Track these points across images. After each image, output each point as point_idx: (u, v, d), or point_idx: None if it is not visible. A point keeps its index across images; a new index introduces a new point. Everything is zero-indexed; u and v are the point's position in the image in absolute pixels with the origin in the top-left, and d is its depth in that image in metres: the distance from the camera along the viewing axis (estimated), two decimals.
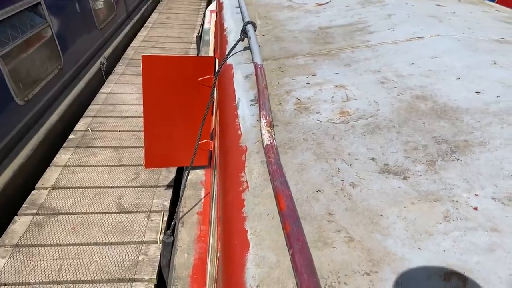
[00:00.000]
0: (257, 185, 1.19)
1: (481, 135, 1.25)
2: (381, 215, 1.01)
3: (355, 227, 0.99)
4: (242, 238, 1.03)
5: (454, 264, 0.86)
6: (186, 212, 2.82)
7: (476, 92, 1.48)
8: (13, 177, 3.51)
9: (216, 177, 1.76)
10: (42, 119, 4.27)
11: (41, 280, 2.62)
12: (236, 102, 1.69)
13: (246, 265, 0.94)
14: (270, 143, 1.12)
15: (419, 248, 0.91)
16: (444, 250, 0.89)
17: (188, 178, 3.13)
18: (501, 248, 0.88)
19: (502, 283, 0.81)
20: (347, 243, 0.94)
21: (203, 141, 2.98)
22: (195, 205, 2.89)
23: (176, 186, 3.61)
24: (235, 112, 1.62)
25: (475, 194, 1.03)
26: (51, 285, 2.58)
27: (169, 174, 3.75)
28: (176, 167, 3.85)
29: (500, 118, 1.33)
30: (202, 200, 2.94)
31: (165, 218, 3.17)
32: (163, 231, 3.01)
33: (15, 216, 3.17)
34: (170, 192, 3.51)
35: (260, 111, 1.33)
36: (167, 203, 3.35)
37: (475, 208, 0.99)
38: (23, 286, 2.57)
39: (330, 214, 1.04)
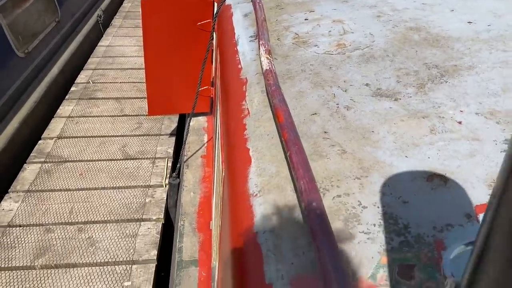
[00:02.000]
0: (257, 111, 1.27)
1: (470, 60, 1.32)
2: (372, 131, 1.09)
3: (348, 142, 1.07)
4: (245, 155, 1.12)
5: (437, 168, 0.95)
6: (190, 156, 2.92)
7: (468, 22, 1.53)
8: (19, 128, 3.59)
9: (218, 113, 1.83)
10: (43, 72, 4.29)
11: (53, 222, 2.75)
12: (236, 39, 1.73)
13: (249, 176, 1.04)
14: (269, 67, 1.19)
15: (406, 157, 0.99)
16: (429, 157, 0.98)
17: (191, 124, 3.21)
18: (480, 153, 0.97)
19: (480, 182, 0.90)
20: (340, 155, 1.03)
21: (204, 87, 3.03)
22: (199, 149, 2.98)
23: (179, 134, 3.69)
24: (235, 48, 1.67)
25: (460, 111, 1.11)
26: (63, 226, 2.72)
27: (171, 123, 3.83)
28: (178, 117, 3.92)
29: (489, 45, 1.38)
30: (205, 145, 3.03)
31: (169, 164, 3.28)
32: (168, 175, 3.12)
33: (24, 165, 3.28)
34: (173, 140, 3.60)
35: (259, 41, 1.38)
36: (171, 150, 3.45)
37: (460, 122, 1.07)
38: (37, 227, 2.71)
39: (325, 132, 1.12)
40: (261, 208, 0.93)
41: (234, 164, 1.14)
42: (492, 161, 0.95)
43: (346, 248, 0.80)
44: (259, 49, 1.32)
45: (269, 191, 0.97)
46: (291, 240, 0.83)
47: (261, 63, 1.26)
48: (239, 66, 1.54)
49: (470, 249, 0.49)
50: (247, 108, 1.30)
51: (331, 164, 1.00)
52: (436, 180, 0.92)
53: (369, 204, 0.89)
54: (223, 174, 1.23)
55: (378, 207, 0.88)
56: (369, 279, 0.75)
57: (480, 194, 0.87)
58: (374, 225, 0.85)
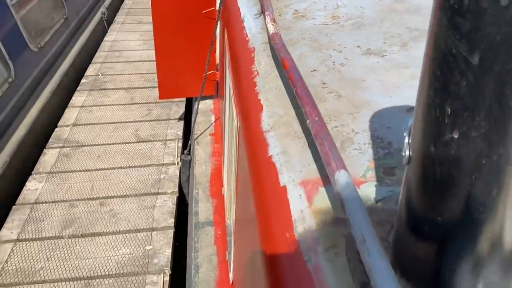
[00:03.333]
0: (265, 71, 1.50)
1: None
2: (363, 80, 1.32)
3: (342, 89, 1.30)
4: (257, 103, 1.35)
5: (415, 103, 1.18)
6: (200, 134, 3.14)
7: None
8: (36, 117, 3.81)
9: (228, 81, 2.05)
10: (55, 66, 4.52)
11: (76, 198, 2.99)
12: (242, 18, 1.96)
13: (262, 119, 1.27)
14: (275, 31, 1.41)
15: (390, 97, 1.22)
16: (409, 96, 1.21)
17: (199, 107, 3.44)
18: None
19: None
20: (336, 98, 1.26)
21: (210, 72, 3.25)
22: (207, 128, 3.21)
23: (187, 119, 3.92)
24: (242, 25, 1.90)
25: None
26: (86, 201, 2.95)
27: (179, 109, 4.05)
28: (184, 103, 4.14)
29: None
30: (213, 124, 3.26)
31: (180, 145, 3.51)
32: (179, 154, 3.35)
33: (44, 150, 3.51)
34: (181, 124, 3.83)
35: (264, 13, 1.61)
36: (180, 133, 3.68)
37: None
38: (62, 203, 2.94)
39: (323, 83, 1.35)
40: (273, 139, 1.16)
41: (248, 113, 1.37)
42: None
43: (343, 160, 1.03)
44: (265, 19, 1.54)
45: (279, 127, 1.19)
46: (299, 157, 1.06)
47: (267, 29, 1.48)
48: (247, 38, 1.76)
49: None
50: (256, 70, 1.52)
51: (330, 105, 1.23)
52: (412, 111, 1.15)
53: (360, 130, 1.12)
54: (238, 124, 1.45)
55: (367, 132, 1.11)
56: (361, 177, 0.98)
57: None
58: (364, 144, 1.07)
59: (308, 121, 0.98)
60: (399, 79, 1.30)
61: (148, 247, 2.57)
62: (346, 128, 1.14)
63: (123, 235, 2.68)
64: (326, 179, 0.98)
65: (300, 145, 1.11)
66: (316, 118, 0.95)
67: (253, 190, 1.10)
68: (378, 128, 1.12)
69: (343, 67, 1.41)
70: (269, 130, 1.21)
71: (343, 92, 1.29)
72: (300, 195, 0.96)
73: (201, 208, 2.42)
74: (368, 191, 0.94)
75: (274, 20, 1.52)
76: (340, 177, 0.83)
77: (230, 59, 1.85)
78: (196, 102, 3.31)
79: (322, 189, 0.96)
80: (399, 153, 1.06)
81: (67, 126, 3.83)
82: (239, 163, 1.45)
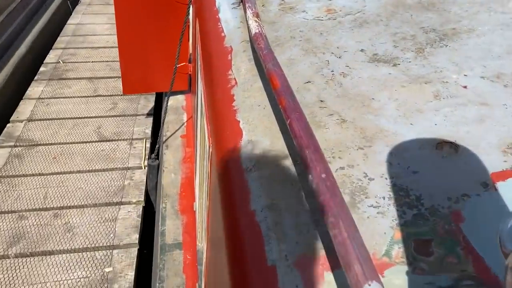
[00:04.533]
0: (246, 80, 1.17)
1: (469, 23, 1.25)
2: (373, 99, 1.01)
3: (347, 111, 0.99)
4: (234, 127, 1.02)
5: (445, 135, 0.88)
6: (170, 136, 2.80)
7: None
8: None
9: (200, 86, 1.72)
10: (10, 51, 4.06)
11: (27, 208, 2.62)
12: (217, 7, 1.62)
13: (241, 150, 0.94)
14: (259, 31, 1.09)
15: (411, 124, 0.92)
16: (436, 124, 0.91)
17: (169, 103, 3.09)
18: (490, 118, 0.90)
19: (492, 148, 0.84)
20: (339, 124, 0.95)
21: (181, 64, 2.89)
22: (178, 129, 2.87)
23: (156, 114, 3.56)
24: (217, 16, 1.56)
25: (465, 75, 1.04)
26: (38, 212, 2.59)
27: (148, 103, 3.68)
28: (154, 96, 3.77)
29: (487, 7, 1.32)
30: (185, 124, 2.92)
31: (148, 145, 3.16)
32: (146, 157, 3.00)
33: None
34: (150, 120, 3.47)
35: (244, 5, 1.28)
36: (149, 131, 3.32)
37: (465, 87, 1.00)
38: (9, 214, 2.57)
39: (321, 101, 1.03)
40: (257, 183, 0.84)
41: (223, 138, 1.04)
42: (503, 126, 0.88)
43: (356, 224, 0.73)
44: (246, 13, 1.21)
45: (264, 165, 0.88)
46: (293, 217, 0.75)
47: (248, 27, 1.15)
48: (222, 35, 1.43)
49: None
50: (234, 78, 1.20)
51: (331, 134, 0.92)
52: (446, 148, 0.85)
53: (376, 176, 0.82)
54: (210, 150, 1.13)
55: (386, 179, 0.81)
56: (384, 256, 0.68)
57: (494, 160, 0.81)
58: (384, 198, 0.77)
59: (310, 176, 0.67)
60: (420, 99, 1.00)
61: (107, 269, 2.24)
62: (356, 172, 0.83)
63: (79, 254, 2.34)
64: (335, 258, 0.68)
65: (294, 196, 0.80)
66: (323, 175, 0.64)
67: (229, 265, 0.79)
68: (399, 173, 0.82)
69: (345, 78, 1.10)
70: (250, 169, 0.89)
71: (348, 114, 0.98)
72: (297, 287, 0.65)
73: (169, 227, 2.10)
74: (396, 283, 0.65)
75: (257, 15, 1.19)
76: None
77: (202, 59, 1.51)
78: (166, 98, 2.96)
79: (330, 278, 0.66)
80: (434, 215, 0.76)
81: (21, 121, 3.41)
82: (211, 201, 1.14)
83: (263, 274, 0.68)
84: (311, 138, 0.72)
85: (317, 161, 0.66)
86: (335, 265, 0.65)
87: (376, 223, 0.73)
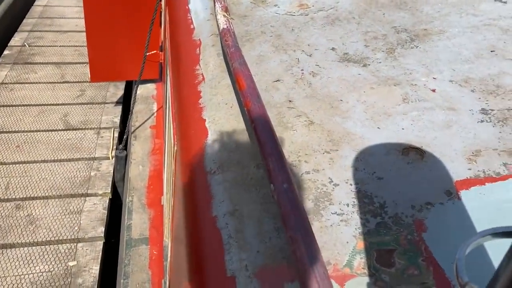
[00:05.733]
0: (213, 76, 1.14)
1: (440, 24, 1.24)
2: (341, 100, 1.00)
3: (315, 112, 0.97)
4: (200, 127, 0.99)
5: (412, 140, 0.87)
6: (138, 126, 2.73)
7: None
8: None
9: (168, 79, 1.67)
10: None
11: None
12: None
13: (205, 151, 0.91)
14: (227, 26, 1.05)
15: (378, 128, 0.91)
16: (403, 128, 0.90)
17: (139, 92, 3.01)
18: (457, 124, 0.90)
19: (458, 155, 0.83)
20: (307, 126, 0.93)
21: (152, 52, 2.81)
22: (148, 119, 2.80)
23: (126, 103, 3.46)
24: (186, 7, 1.51)
25: (434, 78, 1.03)
26: None
27: (117, 90, 3.58)
28: (124, 84, 3.67)
29: (459, 8, 1.32)
30: (155, 114, 2.85)
31: (116, 135, 3.07)
32: (114, 147, 2.92)
33: None
34: (119, 108, 3.37)
35: None
36: (117, 120, 3.23)
37: (433, 90, 1.00)
38: None
39: (290, 101, 1.01)
40: (220, 187, 0.82)
41: (188, 137, 1.01)
42: (469, 132, 0.88)
43: (318, 232, 0.71)
44: (215, 6, 1.17)
45: (228, 168, 0.85)
46: (256, 224, 0.73)
47: (217, 21, 1.12)
48: (192, 27, 1.38)
49: (490, 239, 0.40)
50: (202, 74, 1.16)
51: (298, 136, 0.90)
52: (412, 154, 0.84)
53: (341, 181, 0.80)
54: (175, 148, 1.09)
55: (351, 185, 0.79)
56: (345, 267, 0.66)
57: (459, 168, 0.81)
58: (348, 205, 0.76)
59: (272, 186, 0.64)
60: (388, 101, 0.99)
61: (71, 263, 2.17)
62: (321, 177, 0.82)
63: (42, 247, 2.26)
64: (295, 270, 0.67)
65: (258, 202, 0.78)
66: (285, 185, 0.62)
67: (189, 273, 0.76)
68: (365, 179, 0.80)
69: (315, 78, 1.08)
70: (214, 171, 0.86)
71: (316, 116, 0.96)
72: None
73: (135, 221, 2.05)
74: None
75: (226, 9, 1.15)
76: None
77: (170, 52, 1.46)
78: (135, 87, 2.88)
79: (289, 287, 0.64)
80: (397, 224, 0.75)
81: None
82: (175, 200, 1.10)
83: (221, 285, 0.66)
84: (275, 145, 0.69)
85: (280, 170, 0.64)
86: (295, 277, 0.64)
87: (339, 232, 0.72)
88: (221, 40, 1.06)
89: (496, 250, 0.56)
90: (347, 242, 0.70)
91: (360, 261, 0.67)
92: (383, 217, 0.73)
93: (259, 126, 0.73)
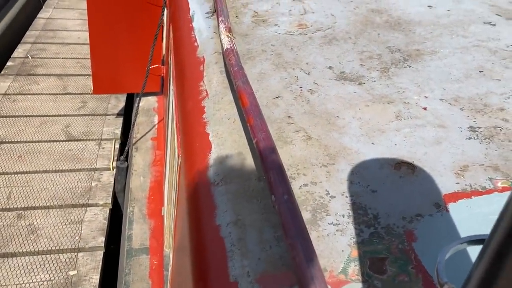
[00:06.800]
0: (217, 92, 1.19)
1: (432, 45, 1.31)
2: (338, 116, 1.05)
3: (313, 128, 1.02)
4: (204, 140, 1.04)
5: (404, 156, 0.93)
6: (140, 138, 2.78)
7: (429, 6, 1.52)
8: None
9: (171, 93, 1.73)
10: None
11: None
12: (191, 15, 1.63)
13: (209, 164, 0.97)
14: (230, 46, 1.11)
15: (372, 143, 0.96)
16: (396, 144, 0.96)
17: (140, 105, 3.07)
18: (446, 141, 0.96)
19: (447, 169, 0.89)
20: (305, 141, 0.98)
21: (154, 66, 2.88)
22: (149, 131, 2.86)
23: (127, 114, 3.52)
24: (190, 25, 1.57)
25: (425, 96, 1.09)
26: (0, 212, 2.52)
27: (118, 102, 3.64)
28: (125, 96, 3.73)
29: (450, 29, 1.38)
30: (156, 126, 2.90)
31: (117, 146, 3.12)
32: (115, 158, 2.97)
33: None
34: (120, 120, 3.43)
35: (218, 18, 1.30)
36: (118, 131, 3.29)
37: (425, 108, 1.05)
38: None
39: (289, 117, 1.06)
40: (223, 198, 0.87)
41: (192, 150, 1.06)
42: (457, 149, 0.94)
43: (315, 241, 0.76)
44: (219, 26, 1.23)
45: (231, 180, 0.90)
46: (257, 233, 0.78)
47: (221, 41, 1.18)
48: (195, 44, 1.44)
49: (465, 247, 0.46)
50: (206, 90, 1.22)
51: (297, 150, 0.95)
52: (403, 168, 0.90)
53: (337, 194, 0.85)
54: (179, 160, 1.14)
55: (346, 197, 0.85)
56: (340, 273, 0.71)
57: (447, 182, 0.86)
58: (343, 215, 0.81)
59: (273, 197, 0.69)
60: (382, 118, 1.04)
61: (71, 273, 2.20)
62: (318, 189, 0.87)
63: (43, 256, 2.29)
64: (294, 276, 0.71)
65: (259, 212, 0.83)
66: (285, 197, 0.67)
67: (193, 278, 0.80)
68: (359, 191, 0.86)
69: (313, 95, 1.13)
70: (218, 183, 0.91)
71: (313, 131, 1.01)
72: None
73: (136, 231, 2.09)
74: None
75: (230, 30, 1.21)
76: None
77: (175, 66, 1.52)
78: (137, 100, 2.94)
79: None
80: (389, 234, 0.80)
81: None
82: (178, 210, 1.15)
83: None
84: (276, 159, 0.74)
85: (280, 182, 0.69)
86: (295, 282, 0.68)
87: (335, 241, 0.77)
88: (225, 59, 1.11)
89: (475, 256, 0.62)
90: (342, 251, 0.75)
91: (354, 268, 0.72)
92: (376, 227, 0.78)
93: (261, 141, 0.78)
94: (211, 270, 0.75)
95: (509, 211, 0.32)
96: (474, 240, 0.43)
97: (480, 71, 1.18)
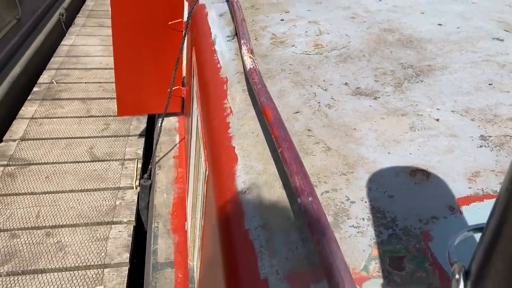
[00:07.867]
0: (240, 109, 1.28)
1: (443, 61, 1.38)
2: (355, 129, 1.12)
3: (331, 139, 1.10)
4: (230, 153, 1.12)
5: (419, 164, 0.99)
6: (162, 157, 2.88)
7: (439, 24, 1.60)
8: None
9: (195, 111, 1.82)
10: (4, 71, 4.12)
11: (19, 227, 2.65)
12: (213, 39, 1.73)
13: (236, 174, 1.04)
14: (253, 66, 1.20)
15: (388, 153, 1.03)
16: (410, 153, 1.02)
17: (162, 125, 3.17)
18: (458, 149, 1.02)
19: (459, 175, 0.95)
20: (325, 152, 1.05)
21: (175, 87, 3.00)
22: (171, 150, 2.95)
23: (148, 135, 3.64)
24: (213, 48, 1.67)
25: (437, 109, 1.16)
26: (30, 231, 2.62)
27: (140, 124, 3.76)
28: (146, 117, 3.86)
29: (459, 45, 1.45)
30: (177, 145, 3.00)
31: (140, 165, 3.22)
32: (138, 177, 3.07)
33: None
34: (142, 141, 3.54)
35: (240, 40, 1.39)
36: (140, 151, 3.39)
37: (437, 120, 1.12)
38: (2, 233, 2.60)
39: (309, 130, 1.14)
40: (250, 205, 0.94)
41: (220, 163, 1.14)
42: (469, 156, 0.99)
43: (338, 242, 0.82)
44: (241, 48, 1.33)
45: (257, 188, 0.97)
46: (284, 235, 0.85)
47: (243, 62, 1.27)
48: (218, 66, 1.54)
49: (472, 234, 0.52)
50: (230, 107, 1.30)
51: (317, 161, 1.02)
52: (418, 175, 0.96)
53: (357, 199, 0.92)
54: (207, 173, 1.22)
55: (365, 202, 0.91)
56: (362, 271, 0.77)
57: (460, 187, 0.92)
58: (363, 219, 0.87)
59: (299, 200, 0.76)
60: (397, 130, 1.11)
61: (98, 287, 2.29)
62: (339, 195, 0.93)
63: (71, 272, 2.38)
64: (319, 273, 0.78)
65: (285, 216, 0.90)
66: (310, 199, 0.74)
67: (225, 279, 0.87)
68: (377, 197, 0.92)
69: (330, 109, 1.21)
70: (245, 191, 0.99)
71: (332, 143, 1.08)
72: None
73: (161, 246, 2.17)
74: None
75: (251, 51, 1.30)
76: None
77: (199, 87, 1.61)
78: (159, 120, 3.05)
79: None
80: (406, 234, 0.86)
81: (14, 140, 3.46)
82: (206, 221, 1.22)
83: (256, 286, 0.77)
84: (300, 165, 0.82)
85: (305, 186, 0.76)
86: (320, 278, 0.75)
87: (356, 242, 0.83)
88: (248, 78, 1.20)
89: None
90: (363, 250, 0.81)
91: (375, 266, 0.78)
92: (394, 229, 0.84)
93: (285, 150, 0.86)
94: (243, 269, 0.82)
95: (499, 204, 0.39)
96: (479, 228, 0.49)
97: (489, 84, 1.24)
